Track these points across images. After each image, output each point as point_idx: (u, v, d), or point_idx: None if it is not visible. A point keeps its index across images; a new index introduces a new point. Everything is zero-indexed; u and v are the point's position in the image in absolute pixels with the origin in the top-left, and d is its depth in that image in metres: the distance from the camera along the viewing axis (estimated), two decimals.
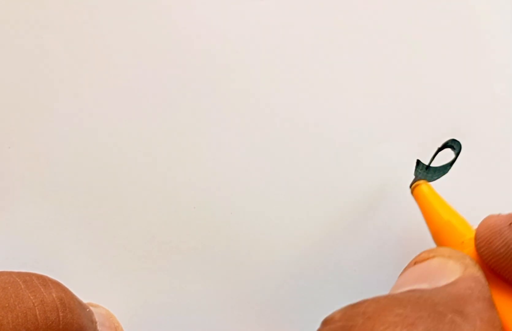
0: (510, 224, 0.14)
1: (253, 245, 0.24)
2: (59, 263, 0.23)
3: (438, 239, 0.20)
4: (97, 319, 0.20)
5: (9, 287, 0.16)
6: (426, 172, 0.23)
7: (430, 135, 0.24)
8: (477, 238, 0.15)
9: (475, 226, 0.17)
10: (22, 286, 0.16)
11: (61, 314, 0.16)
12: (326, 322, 0.13)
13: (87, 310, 0.19)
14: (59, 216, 0.24)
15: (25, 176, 0.24)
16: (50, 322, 0.16)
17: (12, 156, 0.24)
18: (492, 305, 0.13)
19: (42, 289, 0.16)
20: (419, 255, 0.16)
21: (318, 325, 0.24)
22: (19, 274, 0.17)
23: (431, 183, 0.22)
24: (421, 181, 0.22)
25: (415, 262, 0.16)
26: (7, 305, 0.15)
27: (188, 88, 0.24)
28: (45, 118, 0.24)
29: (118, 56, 0.24)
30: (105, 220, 0.24)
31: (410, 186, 0.22)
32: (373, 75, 0.25)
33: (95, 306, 0.21)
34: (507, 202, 0.18)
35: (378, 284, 0.24)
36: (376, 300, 0.13)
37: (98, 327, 0.20)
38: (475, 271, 0.14)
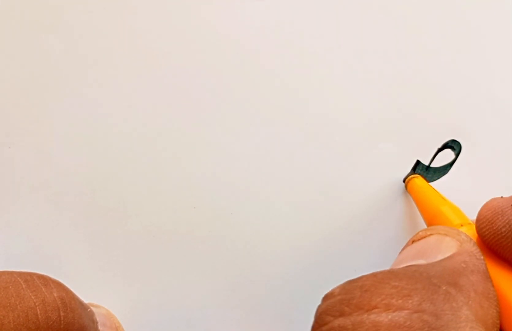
0: None
1: (253, 245, 0.24)
2: (60, 263, 0.23)
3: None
4: (98, 319, 0.20)
5: (10, 287, 0.16)
6: (426, 172, 0.23)
7: (430, 136, 0.24)
8: (478, 219, 0.16)
9: (471, 219, 0.17)
10: (23, 286, 0.16)
11: (62, 313, 0.16)
12: (326, 297, 0.14)
13: (88, 310, 0.19)
14: (59, 216, 0.24)
15: (25, 176, 0.23)
16: (51, 322, 0.16)
17: (12, 156, 0.24)
18: (487, 278, 0.14)
19: (43, 289, 0.16)
20: (416, 234, 0.16)
21: None
22: (20, 273, 0.17)
23: (430, 183, 0.22)
24: (415, 175, 0.22)
25: (412, 241, 0.16)
26: (8, 304, 0.15)
27: (188, 88, 0.24)
28: (45, 118, 0.24)
29: (117, 56, 0.24)
30: (106, 220, 0.24)
31: (404, 181, 0.23)
32: (373, 75, 0.25)
33: (96, 306, 0.21)
34: None
35: None
36: (373, 275, 0.13)
37: (99, 327, 0.20)
38: (471, 246, 0.14)
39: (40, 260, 0.23)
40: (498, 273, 0.14)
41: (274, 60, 0.25)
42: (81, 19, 0.24)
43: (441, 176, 0.22)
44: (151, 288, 0.24)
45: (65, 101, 0.24)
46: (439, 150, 0.23)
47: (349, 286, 0.13)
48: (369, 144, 0.25)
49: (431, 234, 0.15)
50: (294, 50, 0.25)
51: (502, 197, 0.16)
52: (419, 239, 0.16)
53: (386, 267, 0.24)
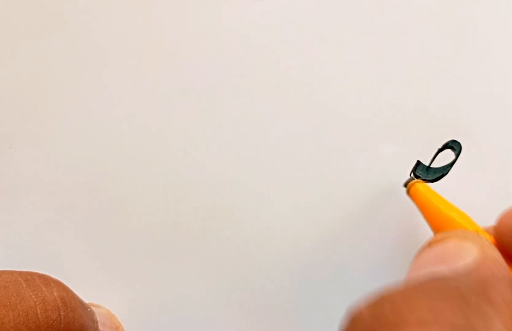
0: None
1: (253, 245, 0.24)
2: (60, 263, 0.23)
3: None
4: (98, 319, 0.20)
5: (10, 286, 0.16)
6: (426, 172, 0.23)
7: (430, 136, 0.24)
8: (499, 226, 0.15)
9: (478, 223, 0.17)
10: (24, 285, 0.16)
11: (62, 313, 0.16)
12: (354, 320, 0.13)
13: (89, 309, 0.19)
14: (60, 216, 0.24)
15: (25, 176, 0.23)
16: (52, 321, 0.16)
17: (12, 156, 0.23)
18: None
19: (43, 288, 0.16)
20: (433, 237, 0.16)
21: (318, 325, 0.24)
22: (20, 273, 0.17)
23: (430, 184, 0.22)
24: (416, 180, 0.22)
25: (429, 244, 0.15)
26: (8, 303, 0.15)
27: (188, 88, 0.24)
28: (45, 119, 0.24)
29: (117, 56, 0.24)
30: (106, 220, 0.24)
31: (405, 185, 0.22)
32: (374, 75, 0.25)
33: (97, 306, 0.21)
34: (508, 202, 0.18)
35: (378, 284, 0.24)
36: (401, 289, 0.13)
37: (100, 327, 0.20)
38: (494, 252, 0.14)
39: (40, 260, 0.23)
40: None
41: (273, 61, 0.25)
42: (81, 19, 0.24)
43: (441, 177, 0.22)
44: (151, 288, 0.24)
45: (65, 101, 0.24)
46: (440, 150, 0.23)
47: (377, 302, 0.13)
48: (369, 145, 0.25)
49: (448, 238, 0.15)
50: (292, 51, 0.25)
51: None
52: (436, 243, 0.15)
53: (387, 268, 0.24)
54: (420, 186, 0.22)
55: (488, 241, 0.14)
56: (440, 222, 0.19)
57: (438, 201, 0.20)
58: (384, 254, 0.24)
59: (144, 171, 0.24)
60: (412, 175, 0.23)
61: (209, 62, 0.24)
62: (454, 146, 0.23)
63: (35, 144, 0.24)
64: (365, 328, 0.12)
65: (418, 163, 0.23)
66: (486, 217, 0.18)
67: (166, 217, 0.24)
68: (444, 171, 0.22)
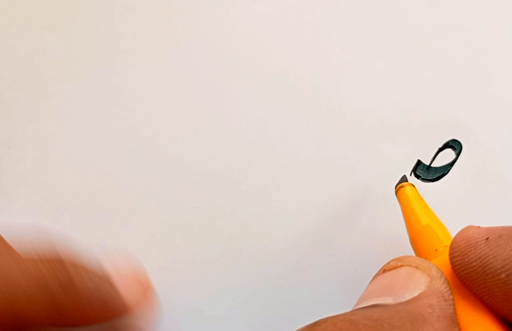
0: (487, 238, 0.14)
1: (253, 245, 0.24)
2: None
3: (414, 244, 0.19)
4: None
5: None
6: (427, 172, 0.23)
7: (431, 135, 0.24)
8: (452, 247, 0.15)
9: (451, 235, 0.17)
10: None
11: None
12: None
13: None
14: (59, 216, 0.24)
15: (25, 176, 0.24)
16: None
17: (12, 156, 0.24)
18: (453, 323, 0.13)
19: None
20: (388, 262, 0.16)
21: None
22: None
23: (425, 183, 0.22)
24: (406, 183, 0.22)
25: (384, 270, 0.16)
26: None
27: (188, 87, 0.24)
28: (45, 118, 0.24)
29: (117, 56, 0.24)
30: (105, 220, 0.24)
31: (395, 187, 0.22)
32: (374, 74, 0.25)
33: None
34: (508, 202, 0.18)
35: None
36: (333, 323, 0.13)
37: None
38: (440, 285, 0.14)
39: None
40: (466, 311, 0.14)
41: (274, 61, 0.25)
42: (81, 19, 0.24)
43: (442, 176, 0.22)
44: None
45: (65, 101, 0.24)
46: (440, 149, 0.23)
47: None
48: (369, 144, 0.24)
49: (402, 266, 0.15)
50: (293, 52, 0.25)
51: (478, 226, 0.15)
52: (390, 269, 0.15)
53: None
54: (407, 189, 0.21)
55: (439, 272, 0.14)
56: (414, 233, 0.19)
57: (419, 208, 0.20)
58: (384, 254, 0.24)
59: (144, 171, 0.24)
60: (412, 174, 0.23)
61: (209, 61, 0.24)
62: (454, 145, 0.23)
63: (35, 144, 0.24)
64: None
65: (419, 162, 0.23)
66: (486, 217, 0.18)
67: (166, 217, 0.24)
68: (444, 170, 0.22)
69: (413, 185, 0.21)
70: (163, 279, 0.24)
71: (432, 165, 0.23)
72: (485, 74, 0.25)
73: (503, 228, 0.14)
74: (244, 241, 0.24)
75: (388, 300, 0.14)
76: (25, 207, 0.23)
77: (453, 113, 0.25)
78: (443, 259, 0.16)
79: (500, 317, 0.14)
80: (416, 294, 0.14)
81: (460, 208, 0.20)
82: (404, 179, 0.22)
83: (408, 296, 0.14)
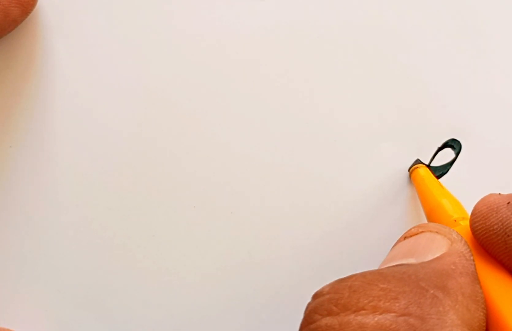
0: (509, 203, 0.15)
1: (253, 245, 0.24)
2: (58, 262, 0.23)
3: (432, 218, 0.20)
4: None
5: None
6: None
7: (430, 135, 0.24)
8: (473, 213, 0.16)
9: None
10: None
11: None
12: (315, 296, 0.14)
13: None
14: (59, 215, 0.24)
15: (25, 175, 0.24)
16: None
17: (12, 155, 0.24)
18: (475, 280, 0.14)
19: None
20: (409, 230, 0.16)
21: None
22: None
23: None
24: (420, 165, 0.22)
25: (404, 236, 0.16)
26: None
27: (187, 87, 0.24)
28: (45, 118, 0.24)
29: (116, 56, 0.24)
30: (105, 220, 0.24)
31: (409, 169, 0.23)
32: (374, 74, 0.25)
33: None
34: None
35: None
36: (363, 275, 0.13)
37: None
38: (461, 246, 0.14)
39: (38, 260, 0.23)
40: (487, 273, 0.14)
41: (274, 61, 0.25)
42: (82, 19, 0.24)
43: (441, 176, 0.22)
44: (150, 288, 0.24)
45: (65, 101, 0.24)
46: (439, 149, 0.23)
47: (338, 286, 0.13)
48: (369, 144, 0.24)
49: (422, 232, 0.16)
50: (293, 51, 0.25)
51: (500, 193, 0.15)
52: (410, 236, 0.16)
53: None
54: (420, 170, 0.22)
55: (459, 236, 0.15)
56: (431, 208, 0.20)
57: (433, 187, 0.21)
58: (384, 254, 0.24)
59: (143, 171, 0.24)
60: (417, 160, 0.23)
61: (209, 61, 0.24)
62: (454, 144, 0.23)
63: (35, 143, 0.24)
64: (323, 306, 0.13)
65: (418, 161, 0.23)
66: None
67: (166, 217, 0.24)
68: (444, 170, 0.22)
69: (426, 166, 0.22)
70: (163, 279, 0.24)
71: (431, 165, 0.23)
72: (485, 73, 0.25)
73: None
74: (244, 241, 0.24)
75: (411, 261, 0.14)
76: (25, 207, 0.24)
77: (453, 113, 0.25)
78: (463, 227, 0.16)
79: None
80: (438, 255, 0.14)
81: (460, 201, 0.20)
82: (417, 161, 0.23)
83: (430, 257, 0.14)
